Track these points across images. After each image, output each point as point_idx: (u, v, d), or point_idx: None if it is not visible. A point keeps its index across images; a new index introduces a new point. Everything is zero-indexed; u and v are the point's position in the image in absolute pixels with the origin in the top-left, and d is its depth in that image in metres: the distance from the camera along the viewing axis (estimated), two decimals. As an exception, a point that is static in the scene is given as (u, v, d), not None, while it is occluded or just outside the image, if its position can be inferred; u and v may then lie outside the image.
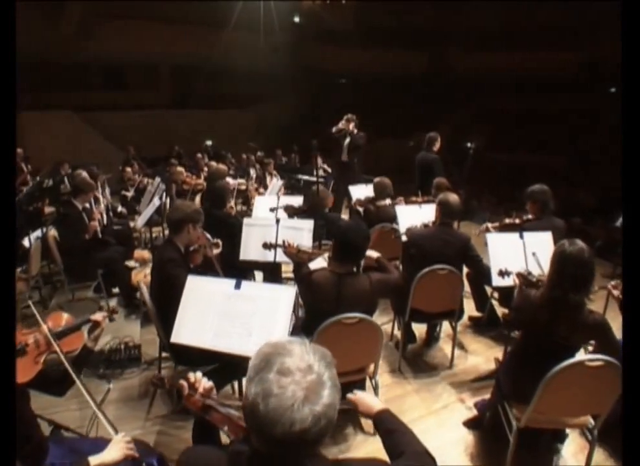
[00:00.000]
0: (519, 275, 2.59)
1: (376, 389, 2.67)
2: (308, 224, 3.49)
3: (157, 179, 6.76)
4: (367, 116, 15.22)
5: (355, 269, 2.46)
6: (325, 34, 15.48)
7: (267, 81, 14.77)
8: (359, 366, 2.54)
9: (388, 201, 4.70)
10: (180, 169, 7.54)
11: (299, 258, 2.69)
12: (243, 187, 6.29)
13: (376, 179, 4.84)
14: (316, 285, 2.40)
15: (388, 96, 15.02)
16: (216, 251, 3.24)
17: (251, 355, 0.97)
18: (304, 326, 2.51)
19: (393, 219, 4.27)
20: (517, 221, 3.66)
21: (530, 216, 3.62)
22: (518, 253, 3.06)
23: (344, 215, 6.54)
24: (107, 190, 7.91)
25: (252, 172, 9.27)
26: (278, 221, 3.54)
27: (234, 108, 15.71)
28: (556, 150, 12.24)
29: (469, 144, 5.30)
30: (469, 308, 4.02)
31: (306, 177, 7.01)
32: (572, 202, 9.04)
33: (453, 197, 3.32)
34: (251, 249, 3.55)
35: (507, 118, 14.02)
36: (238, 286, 2.24)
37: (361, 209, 4.93)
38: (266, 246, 3.27)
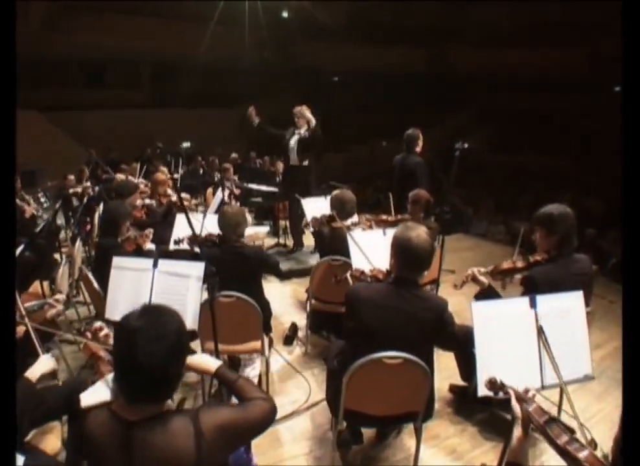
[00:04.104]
0: (524, 410, 1.32)
1: None
2: (197, 270, 2.24)
3: (97, 188, 5.88)
4: (363, 116, 14.40)
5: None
6: (316, 31, 14.68)
7: (253, 80, 13.94)
8: None
9: (350, 221, 3.53)
10: (122, 176, 6.38)
11: (93, 359, 1.48)
12: (186, 203, 5.08)
13: (335, 192, 3.65)
14: (90, 440, 1.18)
15: (386, 95, 14.24)
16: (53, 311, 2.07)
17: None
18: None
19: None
20: (519, 264, 2.33)
21: (538, 257, 2.30)
22: (527, 339, 1.75)
23: (308, 235, 5.29)
24: (43, 199, 6.86)
25: (217, 177, 8.18)
26: (155, 263, 2.34)
27: (218, 107, 14.88)
28: (564, 152, 11.25)
29: (457, 145, 4.07)
30: (452, 366, 2.81)
31: (263, 187, 5.61)
32: (581, 210, 7.99)
33: (419, 236, 1.95)
34: (119, 302, 2.31)
35: (512, 119, 13.14)
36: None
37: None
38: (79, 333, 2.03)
